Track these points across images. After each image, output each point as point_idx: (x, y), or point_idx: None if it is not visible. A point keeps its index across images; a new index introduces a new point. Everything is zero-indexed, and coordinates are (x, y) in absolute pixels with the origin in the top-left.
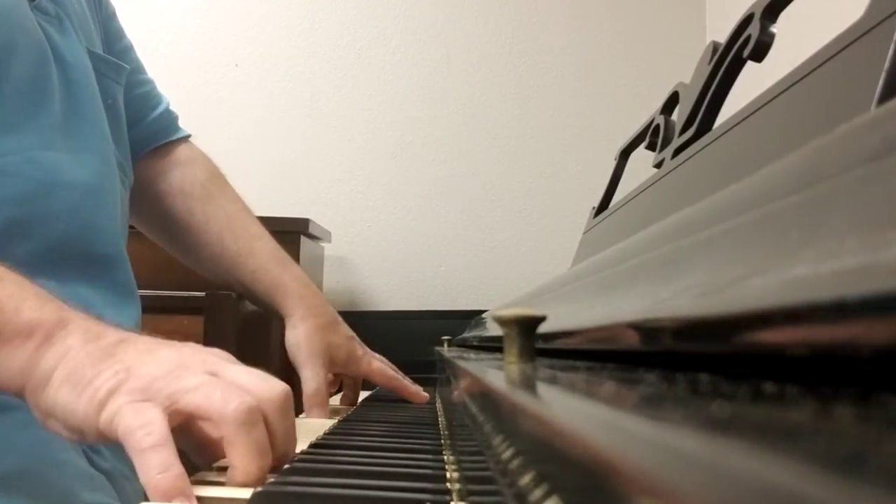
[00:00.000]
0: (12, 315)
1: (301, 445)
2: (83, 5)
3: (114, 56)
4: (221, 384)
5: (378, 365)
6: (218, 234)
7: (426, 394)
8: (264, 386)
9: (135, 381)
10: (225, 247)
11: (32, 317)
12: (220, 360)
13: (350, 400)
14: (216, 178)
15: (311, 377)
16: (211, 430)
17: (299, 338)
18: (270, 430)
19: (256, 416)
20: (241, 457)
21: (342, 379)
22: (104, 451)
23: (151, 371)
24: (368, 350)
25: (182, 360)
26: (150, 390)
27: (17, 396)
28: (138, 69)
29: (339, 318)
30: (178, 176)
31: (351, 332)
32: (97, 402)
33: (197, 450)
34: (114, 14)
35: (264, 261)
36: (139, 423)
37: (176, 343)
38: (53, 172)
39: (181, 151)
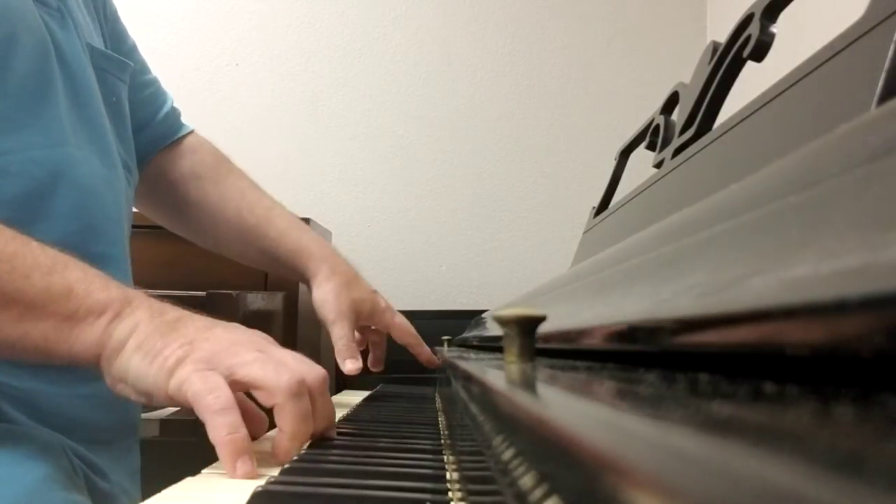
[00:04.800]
0: (84, 297)
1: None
2: (80, 1)
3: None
4: (273, 360)
5: (401, 319)
6: (235, 210)
7: (437, 360)
8: (307, 367)
9: (199, 352)
10: (243, 220)
11: (101, 297)
12: (266, 342)
13: (377, 359)
14: (223, 160)
15: (340, 333)
16: (264, 399)
17: (327, 296)
18: (312, 404)
19: (303, 389)
20: (291, 421)
21: (368, 338)
22: (107, 473)
23: (212, 346)
24: (391, 304)
25: (236, 338)
26: (212, 361)
27: (90, 366)
28: (143, 70)
29: (360, 275)
30: (188, 163)
31: (372, 287)
32: (166, 369)
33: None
34: (117, 16)
35: (284, 227)
36: (208, 388)
37: (226, 323)
38: (56, 171)
39: (188, 141)
